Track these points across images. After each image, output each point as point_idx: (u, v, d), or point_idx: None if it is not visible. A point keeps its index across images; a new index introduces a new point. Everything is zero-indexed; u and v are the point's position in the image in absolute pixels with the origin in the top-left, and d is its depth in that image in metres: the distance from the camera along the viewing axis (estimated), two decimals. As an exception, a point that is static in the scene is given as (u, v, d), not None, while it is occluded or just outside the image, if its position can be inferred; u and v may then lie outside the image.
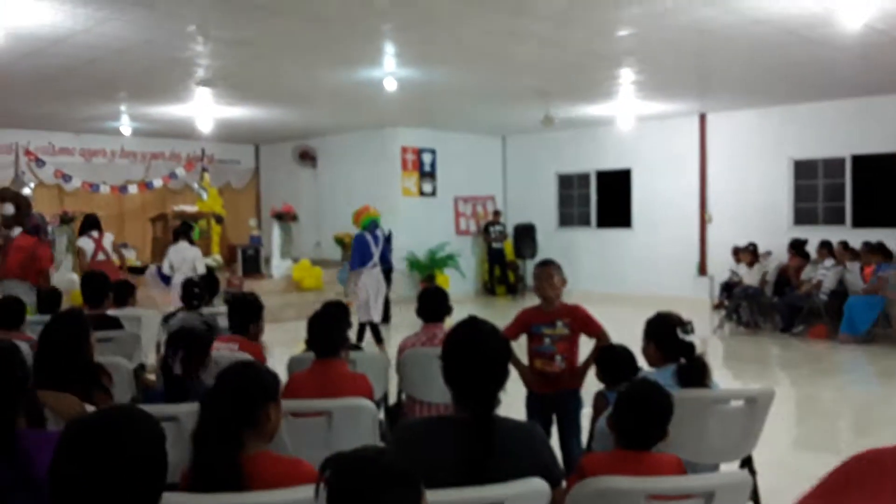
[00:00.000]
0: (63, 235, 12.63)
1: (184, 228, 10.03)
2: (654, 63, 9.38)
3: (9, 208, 12.60)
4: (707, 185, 13.93)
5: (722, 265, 12.72)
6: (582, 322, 4.22)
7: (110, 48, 8.05)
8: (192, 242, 9.87)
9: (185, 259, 9.36)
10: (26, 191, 13.24)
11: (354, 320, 6.93)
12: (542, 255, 15.86)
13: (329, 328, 3.59)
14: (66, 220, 12.74)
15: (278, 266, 14.01)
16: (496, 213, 16.12)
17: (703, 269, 13.91)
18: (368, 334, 9.09)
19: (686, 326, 3.34)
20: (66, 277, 11.48)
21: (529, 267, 15.95)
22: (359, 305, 9.06)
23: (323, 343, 3.56)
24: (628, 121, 13.19)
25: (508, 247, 16.03)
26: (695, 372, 3.27)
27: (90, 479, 1.49)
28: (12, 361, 2.23)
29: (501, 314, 13.86)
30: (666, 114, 13.47)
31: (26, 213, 12.68)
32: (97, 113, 12.57)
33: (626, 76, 10.19)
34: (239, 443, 2.15)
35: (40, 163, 14.00)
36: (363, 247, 9.19)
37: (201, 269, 9.04)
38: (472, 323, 2.38)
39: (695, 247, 14.05)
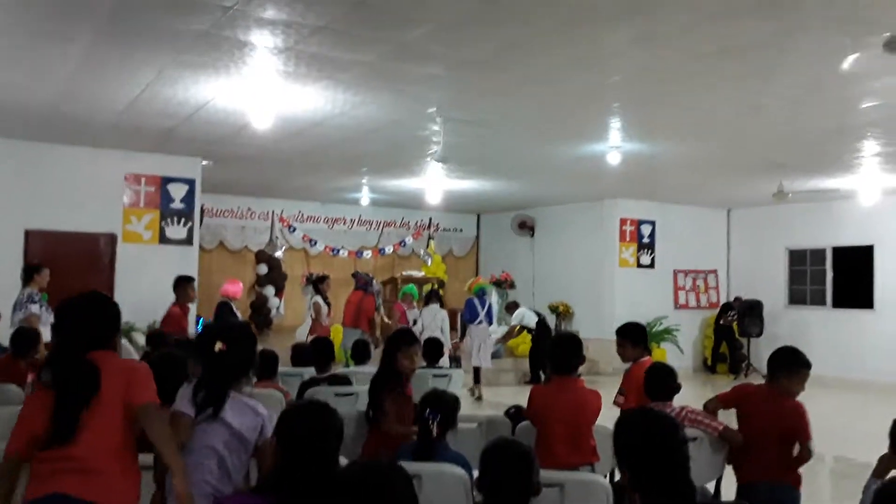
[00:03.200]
0: (308, 294, 13.89)
1: (435, 292, 11.51)
2: (903, 135, 8.77)
3: (263, 268, 14.17)
4: (966, 265, 12.54)
5: None
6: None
7: (361, 129, 8.95)
8: (442, 305, 11.31)
9: (435, 319, 10.72)
10: (278, 253, 14.82)
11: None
12: (769, 333, 14.98)
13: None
14: (311, 280, 14.03)
15: (495, 331, 14.38)
16: (737, 299, 15.52)
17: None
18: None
19: None
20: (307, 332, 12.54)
21: (753, 346, 15.12)
22: (467, 353, 11.36)
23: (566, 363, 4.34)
24: (872, 195, 12.28)
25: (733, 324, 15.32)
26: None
27: None
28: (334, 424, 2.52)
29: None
30: (916, 187, 12.39)
31: (277, 273, 14.14)
32: (341, 185, 13.85)
33: (870, 148, 9.58)
34: None
35: (292, 228, 15.59)
36: (472, 308, 11.55)
37: (447, 330, 10.60)
38: (646, 415, 2.39)
39: (951, 334, 12.61)
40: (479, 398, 11.12)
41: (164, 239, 10.73)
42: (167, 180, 10.78)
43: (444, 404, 3.65)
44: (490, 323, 11.82)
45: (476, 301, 11.64)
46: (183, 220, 10.87)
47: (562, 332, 12.73)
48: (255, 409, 3.06)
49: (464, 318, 11.86)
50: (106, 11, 5.44)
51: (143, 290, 10.01)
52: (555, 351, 4.53)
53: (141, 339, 9.36)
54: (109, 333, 2.99)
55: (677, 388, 4.50)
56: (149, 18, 5.56)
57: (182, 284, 8.59)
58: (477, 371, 11.36)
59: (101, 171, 10.38)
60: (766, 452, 4.07)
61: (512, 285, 15.00)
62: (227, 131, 9.17)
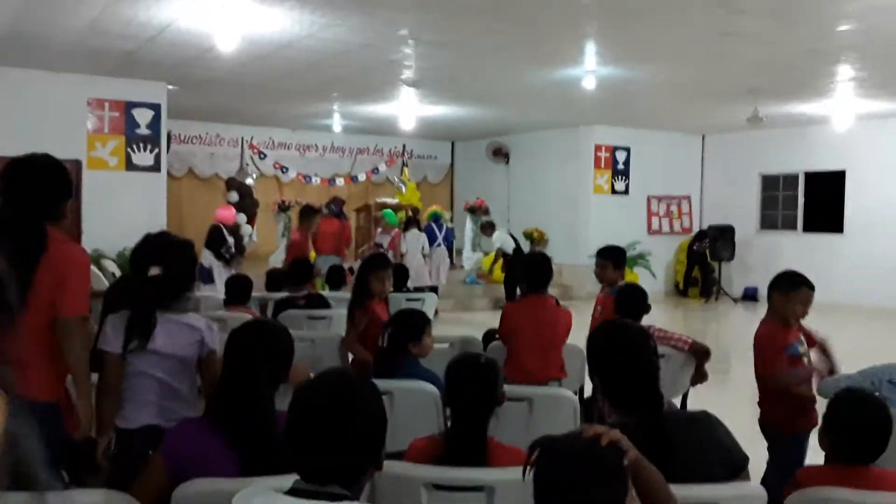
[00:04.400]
0: (280, 222, 13.80)
1: (413, 218, 12.07)
2: (878, 59, 8.73)
3: (234, 196, 13.98)
4: (934, 190, 12.72)
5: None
6: (808, 337, 3.99)
7: (330, 51, 8.73)
8: (420, 230, 11.86)
9: (416, 242, 11.47)
10: (249, 181, 14.60)
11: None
12: (740, 257, 15.21)
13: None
14: (283, 208, 13.92)
15: (469, 258, 14.48)
16: (710, 227, 15.67)
17: (925, 281, 12.73)
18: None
19: None
20: (280, 259, 12.52)
21: (725, 270, 15.36)
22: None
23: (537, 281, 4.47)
24: (845, 120, 12.30)
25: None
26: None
27: (323, 434, 1.65)
28: (288, 345, 2.49)
29: (694, 316, 13.48)
30: (888, 112, 12.44)
31: (249, 201, 13.99)
32: (312, 111, 13.60)
33: (845, 73, 9.55)
34: (485, 427, 2.41)
35: (262, 156, 15.35)
36: (430, 232, 12.29)
37: (426, 252, 11.53)
38: (614, 327, 2.39)
39: (917, 256, 12.89)
40: (436, 313, 11.42)
41: (130, 165, 10.52)
42: (132, 105, 10.50)
43: (405, 318, 3.70)
44: (450, 244, 12.76)
45: (433, 226, 12.51)
46: (149, 146, 10.63)
47: (533, 252, 12.80)
48: (189, 325, 2.96)
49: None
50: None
51: (110, 217, 9.87)
52: (527, 269, 4.64)
53: (111, 266, 9.28)
54: (60, 202, 2.86)
55: (647, 309, 4.55)
56: (103, -69, 5.30)
57: (308, 214, 9.68)
58: (435, 290, 11.61)
59: (63, 95, 10.07)
60: None
61: (486, 212, 14.99)
62: (192, 54, 8.91)
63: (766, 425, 3.90)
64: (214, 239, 10.11)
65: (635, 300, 4.48)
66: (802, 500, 2.26)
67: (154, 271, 2.94)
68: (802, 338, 3.91)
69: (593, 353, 2.31)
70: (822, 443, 2.50)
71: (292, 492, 1.65)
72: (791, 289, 3.87)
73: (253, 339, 2.44)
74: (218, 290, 9.34)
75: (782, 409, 3.78)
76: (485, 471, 2.32)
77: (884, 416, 2.42)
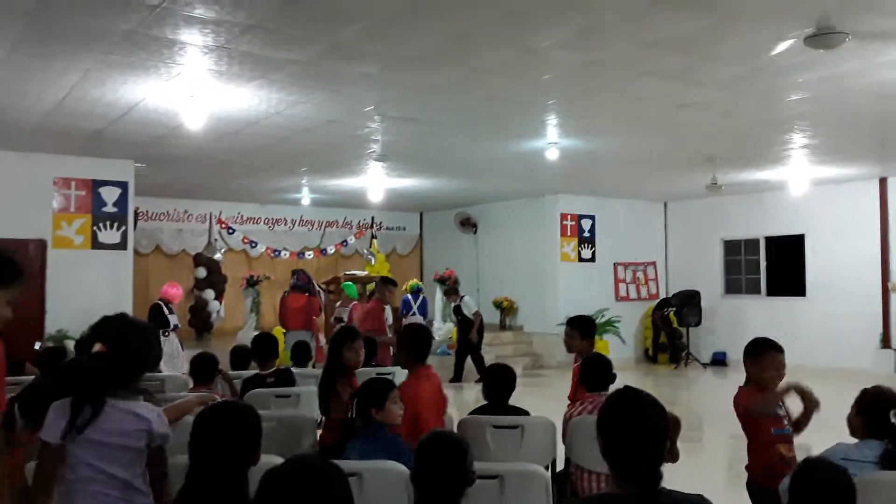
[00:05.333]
0: (249, 297, 13.70)
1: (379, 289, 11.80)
2: (829, 127, 9.07)
3: (202, 272, 13.92)
4: (890, 251, 13.05)
5: (910, 338, 11.78)
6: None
7: (298, 128, 8.86)
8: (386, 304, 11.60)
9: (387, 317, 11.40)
10: (218, 256, 14.58)
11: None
12: (707, 322, 15.36)
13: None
14: (252, 283, 13.84)
15: (439, 328, 14.42)
16: (674, 295, 15.91)
17: (886, 342, 12.94)
18: None
19: None
20: (250, 336, 12.38)
21: (693, 335, 15.49)
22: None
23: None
24: (801, 186, 12.69)
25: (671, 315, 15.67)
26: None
27: None
28: (257, 426, 2.46)
29: (664, 382, 13.50)
30: (842, 178, 12.85)
31: (217, 277, 13.90)
32: (281, 185, 13.70)
33: (798, 141, 9.89)
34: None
35: (230, 230, 15.36)
36: (406, 303, 12.89)
37: (391, 323, 11.17)
38: (630, 393, 2.34)
39: (877, 317, 13.11)
40: None
41: (96, 244, 10.44)
42: (99, 183, 10.50)
43: (368, 386, 3.74)
44: (424, 315, 12.98)
45: (410, 297, 13.01)
46: (116, 224, 10.59)
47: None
48: (136, 414, 2.78)
49: (398, 314, 12.78)
50: (28, 11, 5.26)
51: (75, 296, 9.75)
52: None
53: (72, 347, 9.11)
54: None
55: (613, 378, 4.57)
56: (72, 18, 5.39)
57: (384, 285, 9.90)
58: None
59: (29, 175, 10.06)
60: None
61: (455, 282, 15.03)
62: (160, 132, 8.98)
63: (753, 485, 3.92)
64: (154, 319, 9.73)
65: (599, 370, 4.51)
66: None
67: (97, 347, 2.84)
68: (780, 402, 3.94)
69: (604, 414, 2.28)
70: None
71: None
72: (760, 354, 3.93)
73: (226, 422, 2.39)
74: (176, 367, 9.21)
75: (769, 464, 3.80)
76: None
77: (848, 487, 2.44)
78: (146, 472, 2.85)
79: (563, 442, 4.44)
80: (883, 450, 3.19)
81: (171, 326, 10.10)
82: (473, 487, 3.36)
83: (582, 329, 5.27)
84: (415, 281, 13.71)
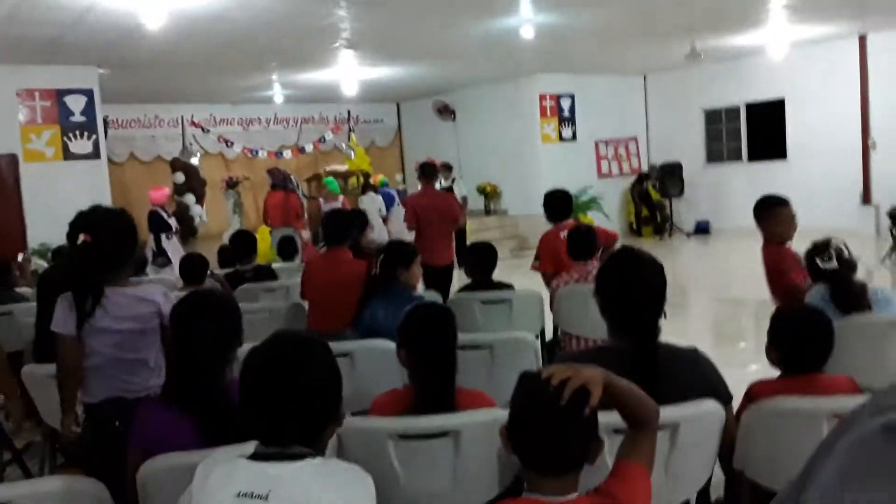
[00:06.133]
0: (230, 199, 13.60)
1: (368, 182, 12.47)
2: (807, -17, 8.85)
3: (180, 177, 13.75)
4: (869, 110, 13.01)
5: (888, 193, 11.92)
6: None
7: (261, 21, 8.54)
8: (376, 192, 12.19)
9: (373, 204, 11.69)
10: (194, 160, 14.35)
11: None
12: (689, 192, 15.45)
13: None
14: (231, 184, 13.71)
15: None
16: (652, 167, 15.97)
17: (867, 198, 13.10)
18: None
19: (824, 255, 3.37)
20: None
21: (676, 206, 15.61)
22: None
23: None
24: (780, 48, 12.47)
25: (650, 188, 15.78)
26: (853, 296, 3.25)
27: (275, 394, 1.66)
28: (232, 313, 2.44)
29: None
30: (821, 38, 12.64)
31: (196, 181, 13.76)
32: (252, 84, 13.34)
33: (776, 0, 9.65)
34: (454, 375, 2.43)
35: (206, 130, 15.00)
36: (387, 195, 12.61)
37: (384, 213, 11.86)
38: (629, 250, 2.39)
39: (857, 176, 13.23)
40: None
41: (68, 154, 10.24)
42: (63, 93, 10.19)
43: (397, 246, 3.94)
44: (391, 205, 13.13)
45: (389, 189, 13.15)
46: (86, 133, 10.35)
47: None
48: (143, 298, 2.89)
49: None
50: None
51: (54, 209, 9.61)
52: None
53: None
54: None
55: (597, 248, 4.64)
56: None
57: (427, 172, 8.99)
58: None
59: (-10, 88, 9.74)
60: None
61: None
62: (120, 35, 8.65)
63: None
64: (155, 224, 9.92)
65: (583, 241, 4.57)
66: (757, 413, 2.30)
67: (83, 237, 2.85)
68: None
69: (603, 274, 2.32)
70: (770, 357, 2.58)
71: (254, 457, 1.66)
72: (768, 212, 4.15)
73: (195, 309, 2.41)
74: (175, 272, 9.26)
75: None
76: (448, 416, 2.34)
77: (824, 322, 2.52)
78: (160, 349, 2.94)
79: (551, 310, 4.54)
80: (829, 292, 3.32)
81: (174, 230, 10.14)
82: (465, 359, 3.45)
83: (548, 211, 5.41)
84: (381, 177, 13.91)
